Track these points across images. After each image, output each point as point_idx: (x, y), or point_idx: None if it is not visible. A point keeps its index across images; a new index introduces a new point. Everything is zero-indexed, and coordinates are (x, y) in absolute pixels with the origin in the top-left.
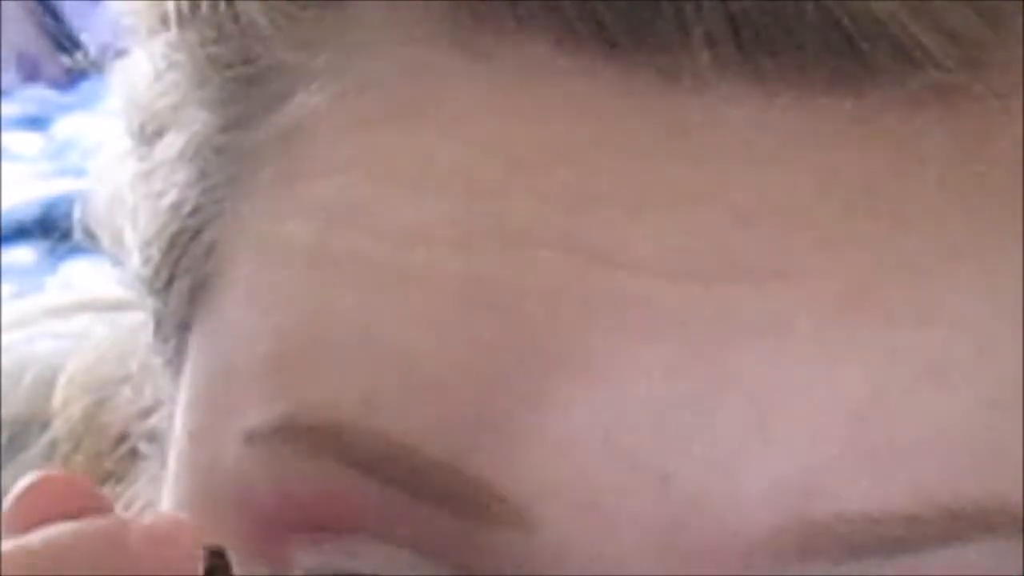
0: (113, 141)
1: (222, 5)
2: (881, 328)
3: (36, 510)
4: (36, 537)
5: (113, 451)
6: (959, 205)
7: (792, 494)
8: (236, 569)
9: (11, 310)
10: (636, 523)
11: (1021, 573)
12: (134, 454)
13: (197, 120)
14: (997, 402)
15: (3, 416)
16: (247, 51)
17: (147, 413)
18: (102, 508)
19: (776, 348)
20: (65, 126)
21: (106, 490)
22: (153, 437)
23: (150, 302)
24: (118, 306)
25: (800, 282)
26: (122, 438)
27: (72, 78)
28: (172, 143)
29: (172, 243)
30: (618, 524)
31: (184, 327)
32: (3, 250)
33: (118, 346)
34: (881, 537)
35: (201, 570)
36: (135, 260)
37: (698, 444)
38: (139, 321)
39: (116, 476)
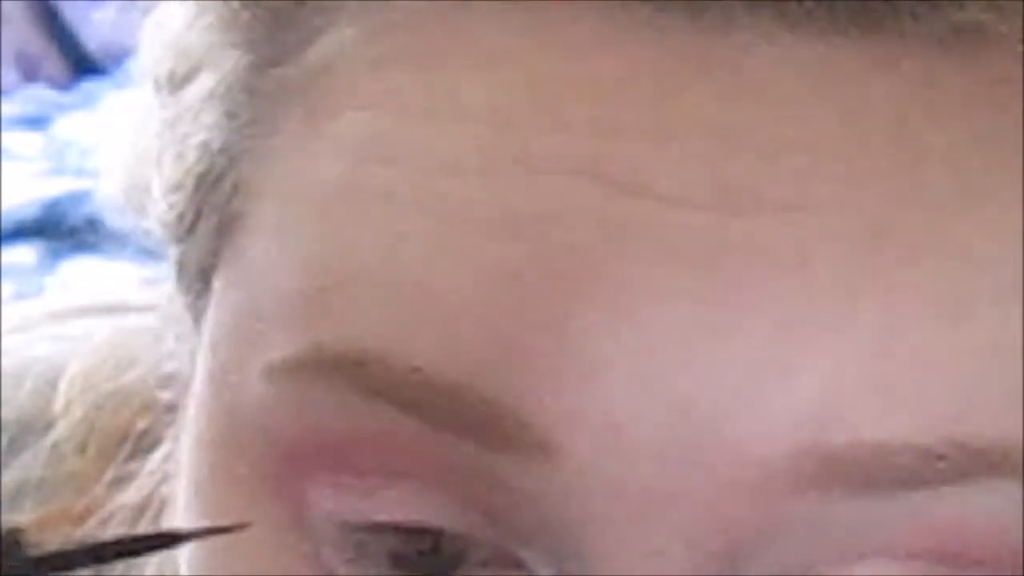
0: (139, 104)
1: None
2: (901, 262)
3: None
4: None
5: (115, 452)
6: (982, 147)
7: (809, 422)
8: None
9: (12, 314)
10: (655, 449)
11: None
12: (136, 455)
13: (228, 61)
14: (1013, 344)
15: (5, 418)
16: None
17: (166, 382)
18: None
19: (798, 279)
20: (65, 126)
21: (108, 491)
22: (171, 408)
23: (173, 251)
24: (119, 309)
25: (822, 214)
26: (124, 439)
27: (72, 78)
28: (203, 84)
29: (199, 183)
30: (638, 450)
31: (208, 270)
32: (3, 250)
33: (119, 348)
34: (895, 468)
35: None
36: (160, 208)
37: (718, 371)
38: (140, 323)
39: (118, 477)
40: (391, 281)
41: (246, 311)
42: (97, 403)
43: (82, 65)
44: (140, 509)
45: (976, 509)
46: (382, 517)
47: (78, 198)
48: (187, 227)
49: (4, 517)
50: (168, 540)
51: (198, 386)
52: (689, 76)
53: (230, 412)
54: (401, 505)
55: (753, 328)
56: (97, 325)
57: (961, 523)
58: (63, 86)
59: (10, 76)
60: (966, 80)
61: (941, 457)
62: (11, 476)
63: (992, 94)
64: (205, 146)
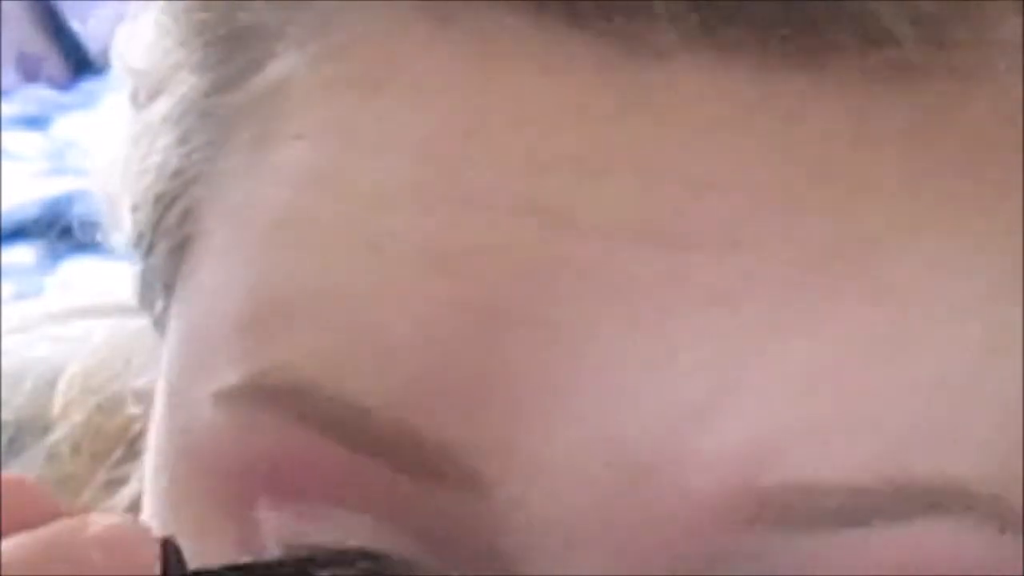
0: (117, 117)
1: None
2: (834, 300)
3: None
4: None
5: (113, 453)
6: (918, 181)
7: (741, 462)
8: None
9: (12, 314)
10: (586, 486)
11: (972, 552)
12: (134, 455)
13: (184, 84)
14: (951, 380)
15: (3, 419)
16: (230, 16)
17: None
18: (52, 511)
19: (728, 316)
20: (65, 126)
21: (102, 493)
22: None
23: (136, 268)
24: (118, 310)
25: (755, 251)
26: (119, 441)
27: (72, 78)
28: (161, 106)
29: (155, 205)
30: (568, 486)
31: (168, 290)
32: (3, 250)
33: (118, 350)
34: (829, 508)
35: (158, 569)
36: (125, 225)
37: (649, 409)
38: (139, 325)
39: (112, 480)
40: (327, 312)
41: (196, 335)
42: (96, 404)
43: (82, 65)
44: (132, 512)
45: (916, 547)
46: (324, 540)
47: (78, 198)
48: (146, 247)
49: None
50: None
51: (157, 405)
52: (623, 109)
53: (184, 434)
54: (342, 529)
55: (681, 365)
56: (96, 326)
57: (901, 560)
58: (63, 86)
59: (10, 76)
60: (901, 114)
61: (875, 496)
62: None
63: (928, 128)
64: (161, 168)
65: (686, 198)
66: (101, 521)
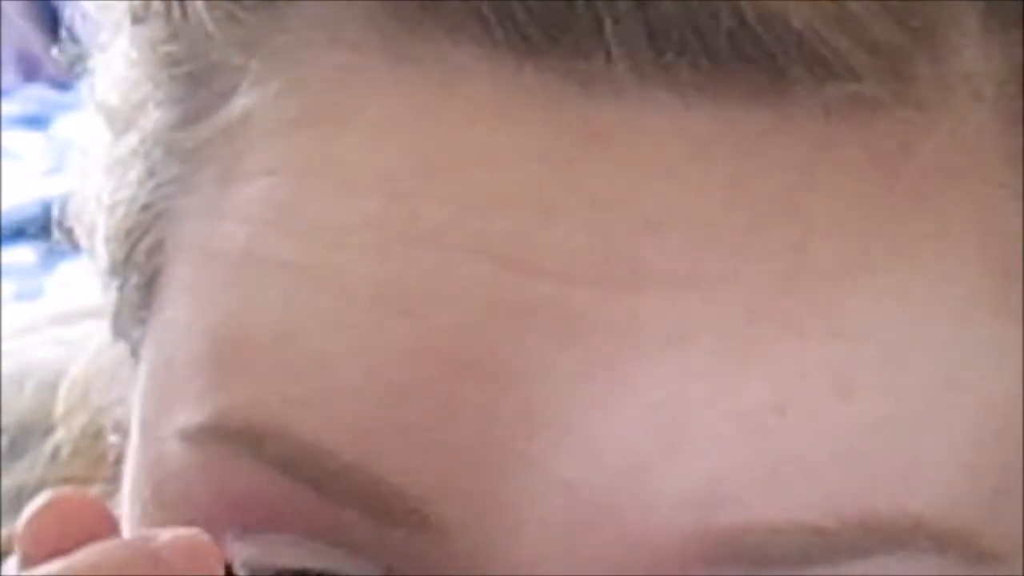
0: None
1: (173, 4)
2: (788, 339)
3: (52, 530)
4: (62, 564)
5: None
6: (873, 216)
7: (698, 503)
8: None
9: (16, 316)
10: (541, 529)
11: None
12: None
13: (151, 119)
14: (908, 416)
15: (5, 421)
16: (195, 50)
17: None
18: (116, 526)
19: (682, 357)
20: (65, 126)
21: (108, 495)
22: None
23: (111, 298)
24: None
25: (708, 291)
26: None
27: (72, 78)
28: (131, 140)
29: (125, 239)
30: (523, 530)
31: (143, 322)
32: (3, 250)
33: (119, 352)
34: (788, 548)
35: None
36: (100, 255)
37: (603, 451)
38: None
39: (117, 481)
40: (284, 351)
41: (162, 372)
42: (97, 407)
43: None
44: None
45: None
46: (290, 564)
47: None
48: (119, 280)
49: (3, 521)
50: None
51: (132, 435)
52: (578, 147)
53: (153, 468)
54: (307, 555)
55: (637, 407)
56: (98, 328)
57: None
58: (63, 86)
59: (10, 76)
60: (858, 149)
61: (835, 535)
62: (11, 480)
63: (886, 161)
64: (131, 202)
65: (640, 237)
66: (173, 531)
